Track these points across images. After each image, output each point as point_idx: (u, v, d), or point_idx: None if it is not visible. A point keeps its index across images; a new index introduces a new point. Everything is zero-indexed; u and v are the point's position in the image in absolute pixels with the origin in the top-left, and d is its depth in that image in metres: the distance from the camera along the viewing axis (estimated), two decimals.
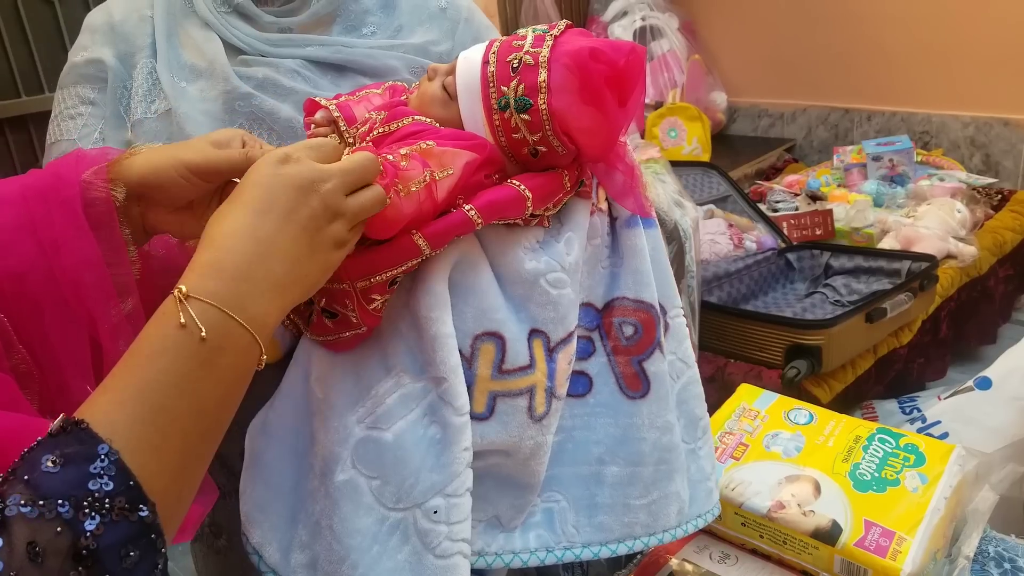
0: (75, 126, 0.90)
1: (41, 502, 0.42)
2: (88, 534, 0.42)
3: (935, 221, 2.26)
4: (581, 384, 0.82)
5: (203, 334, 0.50)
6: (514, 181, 0.74)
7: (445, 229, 0.69)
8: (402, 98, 0.81)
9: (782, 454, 1.05)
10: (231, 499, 0.94)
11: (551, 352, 0.77)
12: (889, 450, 1.02)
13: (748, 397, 1.17)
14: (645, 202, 0.82)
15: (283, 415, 0.75)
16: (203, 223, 0.57)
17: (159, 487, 0.46)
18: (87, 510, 0.43)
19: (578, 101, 0.72)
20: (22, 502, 0.42)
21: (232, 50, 0.92)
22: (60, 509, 0.42)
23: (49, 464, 0.43)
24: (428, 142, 0.71)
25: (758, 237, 2.26)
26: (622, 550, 0.81)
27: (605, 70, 0.71)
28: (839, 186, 2.73)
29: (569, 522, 0.80)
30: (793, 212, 2.50)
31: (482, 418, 0.74)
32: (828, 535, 0.93)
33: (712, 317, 1.83)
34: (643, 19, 3.40)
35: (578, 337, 0.81)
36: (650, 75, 3.33)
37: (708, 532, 1.07)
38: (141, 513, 0.45)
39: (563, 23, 0.76)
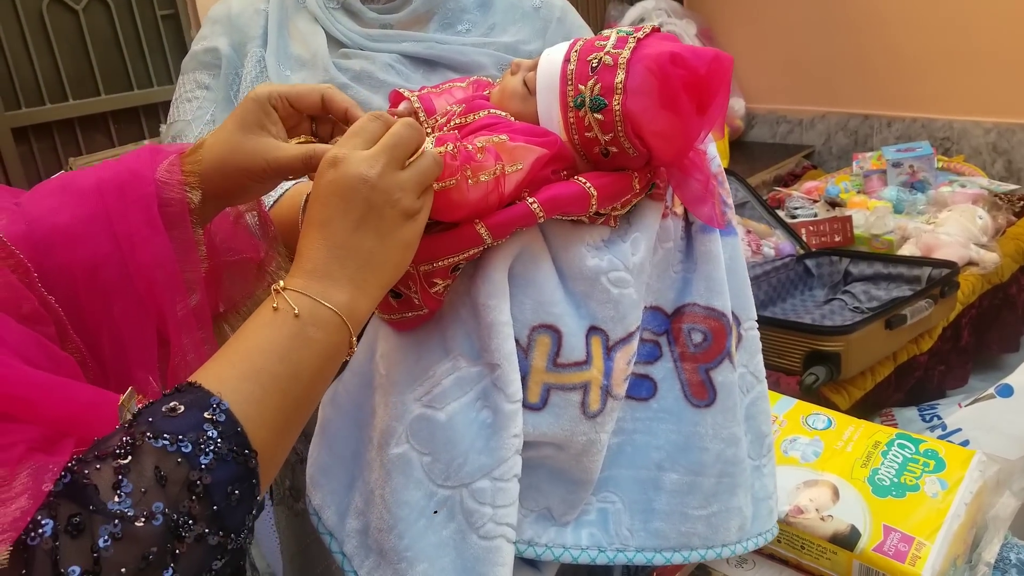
0: (191, 108, 0.98)
1: (166, 435, 0.48)
2: (203, 467, 0.48)
3: (956, 228, 2.24)
4: (645, 388, 0.82)
5: (296, 312, 0.57)
6: (580, 178, 0.74)
7: (507, 220, 0.70)
8: (485, 92, 0.82)
9: (800, 459, 1.05)
10: (301, 468, 0.97)
11: (609, 351, 0.77)
12: (908, 455, 1.02)
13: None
14: (719, 213, 0.81)
15: (350, 388, 0.79)
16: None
17: (260, 439, 0.52)
18: (203, 446, 0.48)
19: (654, 105, 0.71)
20: (149, 435, 0.48)
21: (334, 43, 0.98)
22: (180, 444, 0.48)
23: (167, 411, 0.49)
24: (502, 136, 0.71)
25: (776, 243, 2.25)
26: (677, 559, 0.80)
27: (685, 75, 0.71)
28: (858, 192, 2.72)
29: (624, 524, 0.80)
30: (812, 219, 2.49)
31: (535, 408, 0.75)
32: (846, 540, 0.93)
33: None
34: (661, 26, 3.39)
35: (645, 341, 0.81)
36: None
37: None
38: (247, 457, 0.51)
39: (649, 26, 0.75)
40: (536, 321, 0.74)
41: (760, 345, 0.88)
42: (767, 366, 1.69)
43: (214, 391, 0.51)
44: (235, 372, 0.54)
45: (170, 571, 0.46)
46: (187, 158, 0.70)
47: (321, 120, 0.76)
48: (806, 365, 1.67)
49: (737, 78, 3.56)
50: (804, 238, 2.28)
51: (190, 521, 0.47)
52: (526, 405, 0.74)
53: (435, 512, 0.73)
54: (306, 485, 0.78)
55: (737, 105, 3.52)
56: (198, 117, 0.97)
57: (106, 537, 0.44)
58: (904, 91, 3.11)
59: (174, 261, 0.66)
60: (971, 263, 2.20)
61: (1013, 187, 2.64)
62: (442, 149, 0.67)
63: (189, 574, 0.47)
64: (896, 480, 0.98)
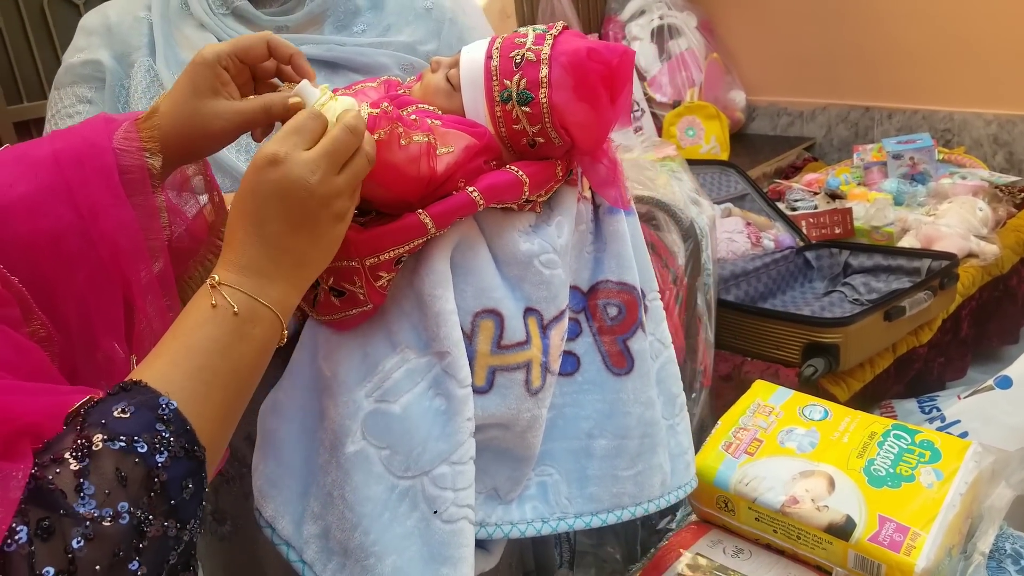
0: (73, 124, 0.92)
1: (122, 437, 0.49)
2: (159, 466, 0.50)
3: (956, 219, 2.24)
4: (569, 363, 0.86)
5: (235, 310, 0.59)
6: (512, 167, 0.78)
7: (450, 209, 0.74)
8: (399, 91, 0.84)
9: (796, 450, 1.05)
10: (235, 484, 0.96)
11: (545, 329, 0.81)
12: (904, 446, 1.02)
13: (763, 393, 1.16)
14: (625, 194, 0.88)
15: (292, 395, 0.79)
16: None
17: (206, 433, 0.55)
18: (158, 445, 0.51)
19: (575, 97, 0.77)
20: (105, 437, 0.49)
21: None
22: (136, 444, 0.50)
23: (120, 413, 0.51)
24: (435, 121, 0.75)
25: (776, 235, 2.25)
26: (611, 519, 0.86)
27: (600, 69, 0.76)
28: (859, 184, 2.71)
29: (562, 494, 0.85)
30: (812, 211, 2.48)
31: (482, 391, 0.78)
32: (842, 530, 0.93)
33: (729, 315, 1.82)
34: (660, 18, 3.39)
35: (568, 319, 0.85)
36: (667, 74, 3.33)
37: (722, 527, 1.07)
38: (196, 453, 0.53)
39: (560, 24, 0.81)
40: (479, 307, 0.77)
41: (663, 314, 0.95)
42: (766, 358, 1.71)
43: (161, 391, 0.53)
44: (179, 371, 0.55)
45: (136, 564, 0.48)
46: (143, 124, 0.70)
47: (261, 81, 0.78)
48: (805, 357, 1.68)
49: (737, 70, 3.55)
50: (804, 230, 2.28)
51: (150, 516, 0.49)
52: (473, 389, 0.77)
53: (399, 498, 0.74)
54: (255, 499, 0.78)
55: (737, 97, 3.51)
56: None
57: (79, 538, 0.45)
58: (905, 83, 3.10)
59: (137, 228, 0.67)
60: (971, 255, 2.19)
61: (1014, 179, 2.63)
62: (376, 110, 0.70)
63: (152, 566, 0.49)
64: (892, 471, 0.98)
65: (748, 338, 1.80)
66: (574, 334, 0.87)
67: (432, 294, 0.75)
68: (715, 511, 1.05)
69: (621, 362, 0.87)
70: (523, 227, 0.81)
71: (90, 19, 0.99)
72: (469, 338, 0.77)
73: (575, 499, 0.85)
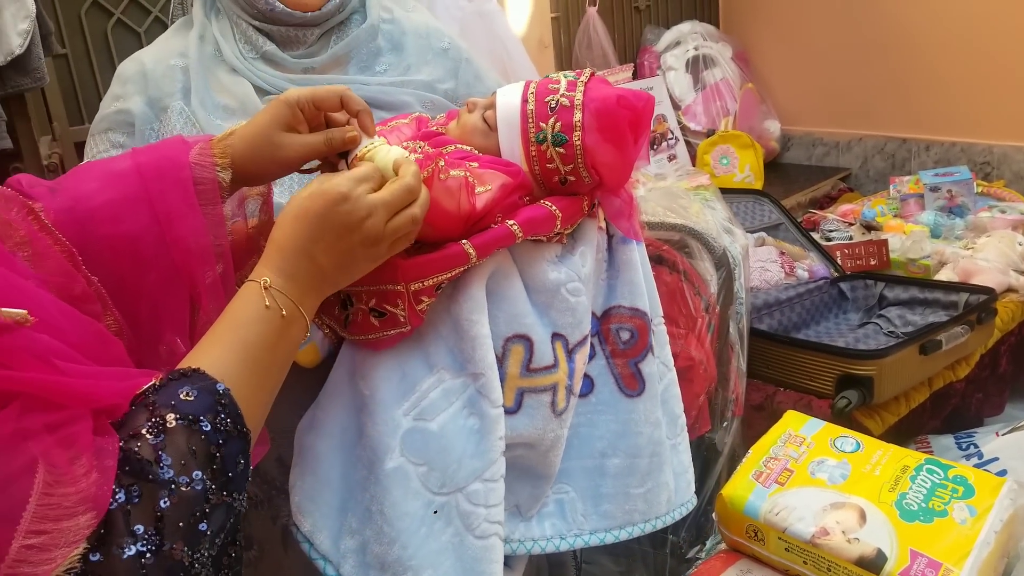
0: None
1: (190, 416, 0.57)
2: (219, 443, 0.58)
3: (995, 253, 2.21)
4: (584, 385, 0.92)
5: (283, 313, 0.67)
6: (546, 202, 0.85)
7: (491, 240, 0.79)
8: (431, 127, 0.91)
9: (827, 481, 1.04)
10: (263, 508, 0.98)
11: (570, 353, 0.87)
12: (937, 481, 1.01)
13: (794, 424, 1.16)
14: (637, 225, 0.95)
15: (330, 413, 0.82)
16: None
17: (250, 417, 0.62)
18: (218, 425, 0.58)
19: (605, 139, 0.83)
20: (177, 416, 0.57)
21: (259, 91, 1.02)
22: (201, 423, 0.57)
23: (185, 395, 0.59)
24: (473, 163, 0.81)
25: (810, 266, 2.24)
26: (623, 536, 0.91)
27: (628, 115, 0.84)
28: (895, 216, 2.69)
29: (578, 511, 0.90)
30: (847, 242, 2.47)
31: (511, 412, 0.83)
32: (873, 563, 0.92)
33: (761, 345, 1.81)
34: (696, 48, 3.41)
35: None
36: (702, 103, 3.34)
37: (751, 557, 1.06)
38: (245, 433, 0.60)
39: (588, 71, 0.88)
40: (510, 332, 0.83)
41: (667, 339, 1.01)
42: (799, 389, 1.70)
43: (218, 377, 0.61)
44: (236, 360, 0.64)
45: (205, 525, 0.56)
46: (217, 143, 0.79)
47: (332, 122, 0.86)
48: (838, 388, 1.66)
49: (773, 100, 3.55)
50: (839, 261, 2.27)
51: (213, 486, 0.56)
52: (504, 410, 0.81)
53: (435, 512, 0.76)
54: (292, 514, 0.83)
55: (772, 127, 3.51)
56: None
57: (165, 499, 0.53)
58: (943, 114, 3.08)
59: (207, 234, 0.75)
60: (1010, 290, 2.16)
61: None
62: (420, 155, 0.78)
63: (216, 528, 0.57)
64: (924, 505, 0.97)
65: (781, 368, 1.79)
66: (588, 357, 0.92)
67: (469, 319, 0.79)
68: (745, 540, 1.05)
69: (633, 384, 0.92)
70: (551, 257, 0.87)
71: (126, 67, 1.06)
72: (500, 361, 0.81)
73: (590, 516, 0.90)
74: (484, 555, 0.78)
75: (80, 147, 2.38)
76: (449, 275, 0.78)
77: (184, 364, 0.63)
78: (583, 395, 0.91)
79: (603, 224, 0.93)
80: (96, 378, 0.58)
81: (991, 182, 2.90)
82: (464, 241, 0.78)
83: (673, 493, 0.96)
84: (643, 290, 0.94)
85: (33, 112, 2.21)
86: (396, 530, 0.76)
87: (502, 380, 0.81)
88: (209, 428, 0.58)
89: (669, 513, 0.95)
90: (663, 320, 1.00)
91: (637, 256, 0.94)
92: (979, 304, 1.83)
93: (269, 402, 0.69)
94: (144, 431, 0.56)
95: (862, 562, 0.93)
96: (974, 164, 2.98)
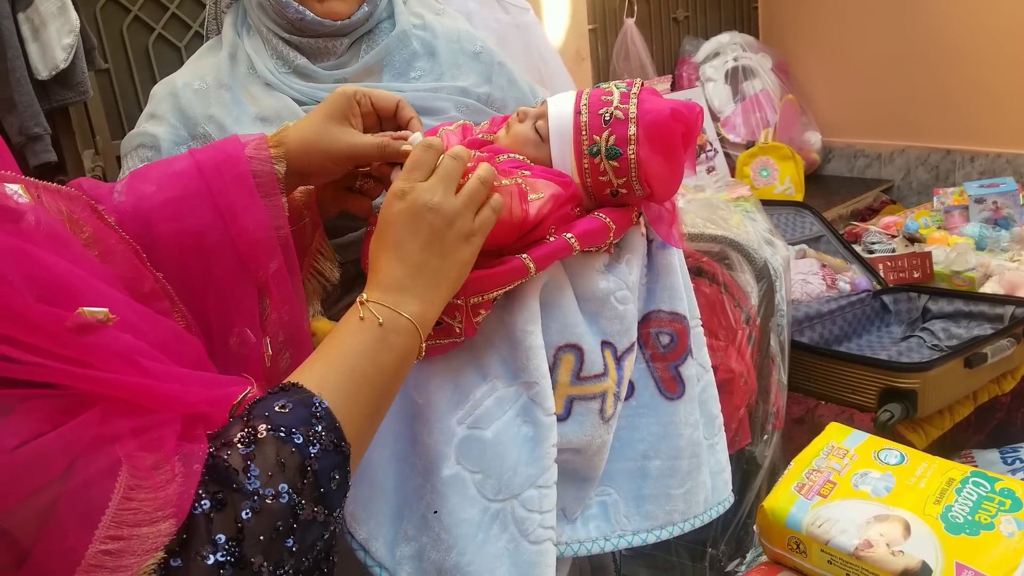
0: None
1: (282, 428, 0.57)
2: (312, 456, 0.57)
3: None
4: (626, 389, 0.93)
5: (380, 321, 0.67)
6: (600, 214, 0.86)
7: (550, 253, 0.81)
8: (477, 135, 0.92)
9: (871, 493, 1.04)
10: None
11: (619, 360, 0.88)
12: (984, 494, 1.00)
13: (837, 436, 1.16)
14: (678, 232, 0.95)
15: (384, 422, 0.82)
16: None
17: (352, 431, 0.61)
18: (312, 438, 0.57)
19: (658, 152, 0.84)
20: (268, 427, 0.57)
21: (292, 100, 1.03)
22: (294, 436, 0.57)
23: (280, 408, 0.58)
24: (525, 172, 0.82)
25: (852, 278, 2.22)
26: (664, 535, 0.93)
27: (681, 127, 0.84)
28: (939, 228, 2.66)
29: (621, 512, 0.92)
30: (890, 254, 2.45)
31: (561, 419, 0.84)
32: None
33: (802, 357, 1.80)
34: (735, 60, 3.40)
35: None
36: (741, 114, 3.33)
37: (793, 568, 1.06)
38: (343, 448, 0.59)
39: (639, 82, 0.88)
40: (562, 341, 0.84)
41: (704, 340, 1.02)
42: (840, 402, 1.68)
43: (315, 391, 0.60)
44: (333, 371, 0.63)
45: (291, 541, 0.54)
46: (271, 138, 0.80)
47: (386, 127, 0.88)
48: (881, 402, 1.65)
49: (813, 111, 3.53)
50: (881, 273, 2.24)
51: (303, 501, 0.55)
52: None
53: (491, 521, 0.78)
54: (346, 522, 0.83)
55: (813, 139, 3.49)
56: None
57: (247, 511, 0.52)
58: (988, 125, 3.04)
59: (269, 225, 0.76)
60: None
61: None
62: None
63: (304, 546, 0.55)
64: (970, 518, 0.97)
65: (822, 381, 1.78)
66: None
67: (524, 329, 0.81)
68: (786, 552, 1.05)
69: (673, 387, 0.94)
70: (599, 267, 0.88)
71: (158, 89, 1.08)
72: (551, 370, 0.83)
73: (632, 517, 0.92)
74: (539, 559, 0.79)
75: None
76: (508, 288, 0.80)
77: (288, 380, 0.63)
78: (624, 399, 0.93)
79: (644, 230, 0.94)
80: (185, 383, 0.58)
81: None
82: (524, 256, 0.79)
83: (710, 492, 0.97)
84: (683, 294, 0.95)
85: (77, 126, 2.27)
86: (454, 536, 0.78)
87: (553, 388, 0.83)
88: (302, 441, 0.57)
89: (707, 512, 0.96)
90: (700, 322, 1.01)
91: (676, 261, 0.95)
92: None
93: (376, 415, 0.68)
94: (236, 440, 0.56)
95: (907, 575, 0.92)
96: (1020, 176, 2.93)
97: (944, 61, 3.10)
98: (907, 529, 0.97)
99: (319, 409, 0.59)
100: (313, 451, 0.57)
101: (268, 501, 0.53)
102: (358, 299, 0.69)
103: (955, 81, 3.08)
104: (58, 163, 2.17)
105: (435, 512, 0.78)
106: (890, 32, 3.23)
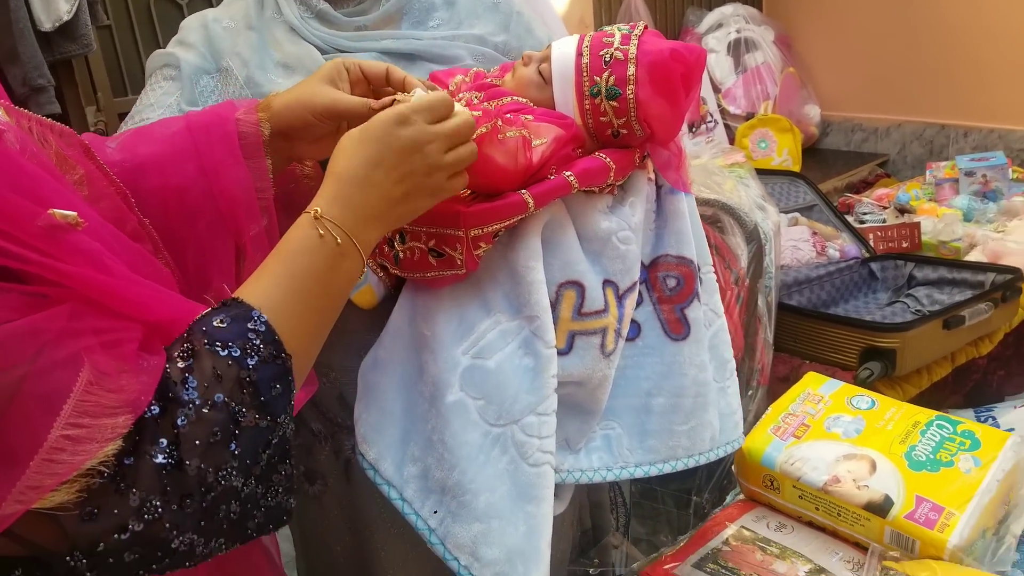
0: (155, 93, 1.05)
1: (218, 343, 0.59)
2: (249, 368, 0.60)
3: None
4: (632, 330, 0.96)
5: (338, 242, 0.67)
6: (601, 154, 0.88)
7: (549, 190, 0.83)
8: (487, 80, 0.94)
9: (842, 435, 1.11)
10: (326, 444, 1.06)
11: (620, 298, 0.91)
12: (946, 435, 1.08)
13: (813, 384, 1.23)
14: (686, 176, 0.97)
15: (392, 352, 0.89)
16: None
17: (294, 345, 0.63)
18: (248, 351, 0.60)
19: (657, 93, 0.86)
20: (205, 342, 0.59)
21: (315, 50, 1.05)
22: (231, 349, 0.59)
23: (218, 323, 0.61)
24: (527, 116, 0.85)
25: (842, 246, 2.28)
26: (667, 468, 0.96)
27: (681, 68, 0.86)
28: (929, 200, 2.72)
29: (624, 446, 0.95)
30: (880, 224, 2.51)
31: (563, 353, 0.88)
32: (880, 508, 0.99)
33: (789, 319, 1.87)
34: (738, 31, 3.44)
35: None
36: (742, 86, 3.37)
37: (767, 505, 1.14)
38: (283, 360, 0.62)
39: (641, 24, 0.90)
40: (563, 278, 0.87)
41: (716, 286, 1.04)
42: (824, 361, 1.75)
43: (261, 307, 0.62)
44: (280, 291, 0.65)
45: (234, 446, 0.58)
46: (262, 102, 0.83)
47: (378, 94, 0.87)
48: (862, 361, 1.72)
49: (813, 85, 3.57)
50: (871, 243, 2.30)
51: (243, 409, 0.58)
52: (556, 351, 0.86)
53: (492, 444, 0.83)
54: (357, 444, 0.88)
55: (812, 112, 3.53)
56: (160, 101, 1.04)
57: (183, 418, 0.56)
58: (982, 101, 3.08)
59: (251, 186, 0.78)
60: None
61: None
62: (479, 112, 0.80)
63: (249, 450, 0.59)
64: (932, 456, 1.04)
65: (807, 341, 1.84)
66: (636, 304, 0.96)
67: (526, 266, 0.84)
68: (761, 489, 1.12)
69: (679, 329, 0.96)
70: (603, 207, 0.90)
71: (190, 20, 1.11)
72: (553, 306, 0.86)
73: (635, 450, 0.95)
74: (537, 481, 0.84)
75: (123, 118, 2.49)
76: (507, 223, 0.83)
77: (234, 295, 0.64)
78: (630, 339, 0.96)
79: (652, 175, 0.97)
80: (147, 290, 0.60)
81: None
82: (523, 191, 0.82)
83: (717, 432, 1.00)
84: (690, 239, 0.97)
85: (79, 81, 2.29)
86: (456, 457, 0.83)
87: (555, 323, 0.86)
88: (239, 354, 0.59)
89: (713, 450, 0.99)
90: (712, 269, 1.04)
91: (685, 206, 0.97)
92: (1004, 283, 1.87)
93: (320, 333, 0.69)
94: (176, 355, 0.58)
95: (870, 506, 1.00)
96: (1011, 151, 2.98)
97: (942, 38, 3.14)
98: (873, 466, 1.05)
99: (258, 324, 0.61)
100: (251, 363, 0.59)
101: (204, 410, 0.56)
102: (315, 211, 0.68)
103: (952, 57, 3.12)
104: (63, 116, 2.18)
105: (439, 436, 0.84)
106: (891, 8, 3.26)
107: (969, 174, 2.67)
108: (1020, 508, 1.03)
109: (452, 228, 0.82)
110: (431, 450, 0.85)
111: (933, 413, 1.12)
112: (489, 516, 0.82)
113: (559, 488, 0.94)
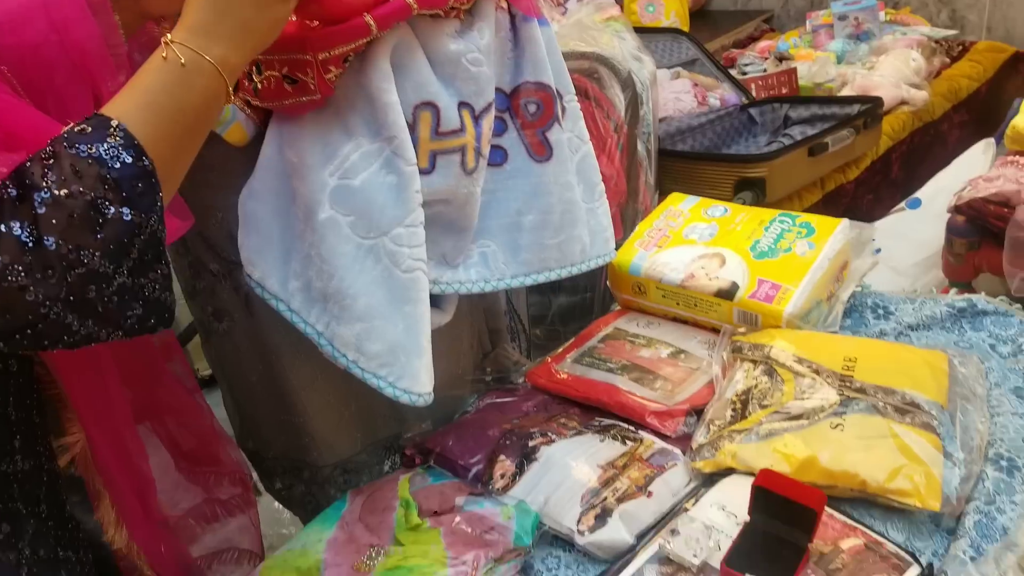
0: None
1: (78, 144, 0.63)
2: (109, 167, 0.63)
3: (890, 70, 2.37)
4: (498, 156, 1.03)
5: (182, 61, 0.71)
6: None
7: (390, 13, 0.86)
8: None
9: (697, 239, 1.22)
10: (226, 282, 1.12)
11: (477, 119, 0.96)
12: (786, 227, 1.19)
13: (675, 201, 1.33)
14: (535, 3, 1.02)
15: (265, 181, 0.94)
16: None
17: (155, 153, 0.67)
18: (108, 152, 0.64)
19: None
20: (65, 145, 0.63)
21: None
22: (91, 151, 0.63)
23: (78, 130, 0.65)
24: None
25: (722, 95, 2.38)
26: (540, 279, 1.05)
27: None
28: (808, 48, 2.82)
29: (500, 260, 1.03)
30: (761, 74, 2.61)
31: (427, 172, 0.94)
32: (728, 293, 1.11)
33: (670, 162, 1.97)
34: None
35: (494, 117, 1.00)
36: None
37: (637, 310, 1.25)
38: (144, 162, 0.66)
39: None
40: (417, 100, 0.92)
41: (581, 115, 1.10)
42: (701, 196, 1.83)
43: (114, 117, 0.67)
44: (131, 103, 0.69)
45: (99, 231, 0.62)
46: None
47: None
48: (736, 191, 1.84)
49: None
50: (753, 92, 2.40)
51: (106, 202, 0.63)
52: (420, 171, 0.92)
53: (365, 254, 0.90)
54: (244, 266, 0.95)
55: None
56: None
57: (39, 202, 0.61)
58: None
59: (102, 41, 0.81)
60: (904, 103, 2.33)
61: (952, 32, 2.75)
62: None
63: (115, 239, 0.63)
64: (773, 246, 1.16)
65: (686, 181, 1.95)
66: (500, 131, 1.02)
67: (379, 87, 0.89)
68: (631, 296, 1.23)
69: (541, 151, 1.03)
70: (450, 31, 0.94)
71: None
72: (412, 127, 0.91)
73: (510, 264, 1.03)
74: (411, 284, 0.92)
75: None
76: (353, 46, 0.86)
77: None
78: (498, 164, 1.02)
79: (504, 4, 1.01)
80: (15, 102, 0.65)
81: (899, 9, 3.03)
82: (365, 15, 0.85)
83: (588, 246, 1.08)
84: (546, 66, 1.02)
85: None
86: (333, 267, 0.90)
87: (415, 144, 0.92)
88: (99, 154, 0.63)
89: (585, 262, 1.08)
90: (575, 97, 1.10)
91: (539, 34, 1.02)
92: (865, 110, 2.00)
93: (183, 147, 0.73)
94: (40, 156, 0.63)
95: (720, 293, 1.12)
96: None
97: None
98: (723, 261, 1.16)
99: (117, 130, 0.65)
100: (112, 164, 0.64)
101: (61, 195, 0.61)
102: (163, 39, 0.72)
103: None
104: None
105: (316, 251, 0.90)
106: None
107: (842, 18, 2.78)
108: (850, 280, 1.16)
109: (300, 52, 0.86)
110: (310, 264, 0.92)
111: (776, 212, 1.24)
112: (370, 316, 0.91)
113: (442, 299, 1.02)
